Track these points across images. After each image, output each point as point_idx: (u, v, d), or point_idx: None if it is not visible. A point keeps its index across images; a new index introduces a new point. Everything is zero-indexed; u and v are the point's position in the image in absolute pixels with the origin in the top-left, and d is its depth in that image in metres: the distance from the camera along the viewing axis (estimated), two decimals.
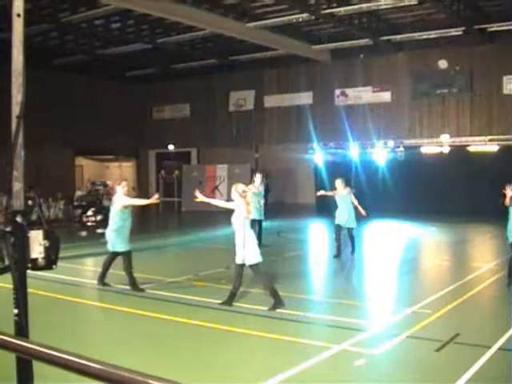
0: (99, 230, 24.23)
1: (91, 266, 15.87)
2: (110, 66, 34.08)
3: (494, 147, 26.93)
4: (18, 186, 3.60)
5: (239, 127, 36.24)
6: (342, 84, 32.18)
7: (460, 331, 8.70)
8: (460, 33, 26.00)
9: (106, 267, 12.45)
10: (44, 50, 29.32)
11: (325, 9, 23.77)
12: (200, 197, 11.47)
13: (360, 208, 17.11)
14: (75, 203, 28.81)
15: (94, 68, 33.90)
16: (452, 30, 25.88)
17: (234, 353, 8.15)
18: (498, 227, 21.90)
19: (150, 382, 2.02)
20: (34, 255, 3.66)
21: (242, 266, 10.42)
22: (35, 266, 3.69)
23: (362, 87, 31.55)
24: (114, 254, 12.35)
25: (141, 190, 42.08)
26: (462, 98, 28.89)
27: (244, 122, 35.98)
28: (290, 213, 29.69)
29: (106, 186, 30.62)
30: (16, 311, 3.51)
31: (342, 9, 23.59)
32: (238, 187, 10.64)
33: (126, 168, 43.59)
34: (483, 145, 27.25)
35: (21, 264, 3.54)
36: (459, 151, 27.70)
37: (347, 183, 18.12)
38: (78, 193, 30.02)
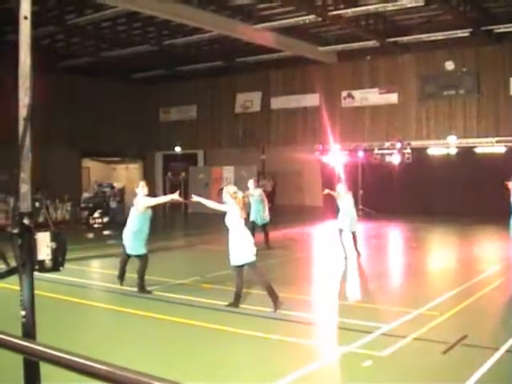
0: (106, 232, 24.35)
1: (98, 268, 15.90)
2: (117, 68, 34.14)
3: (501, 149, 26.88)
4: (25, 187, 3.61)
5: (246, 129, 36.27)
6: (348, 86, 32.18)
7: (467, 333, 8.67)
8: (467, 34, 25.94)
9: (123, 268, 12.48)
10: (51, 53, 29.37)
11: (332, 10, 23.74)
12: (195, 198, 11.56)
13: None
14: (82, 205, 28.85)
15: (100, 70, 33.96)
16: (459, 31, 25.84)
17: (241, 354, 8.15)
18: (505, 229, 21.90)
19: (156, 383, 2.02)
20: (41, 257, 3.67)
21: (240, 266, 10.46)
22: (42, 267, 3.69)
23: (369, 89, 31.54)
24: (129, 256, 12.37)
25: (147, 191, 42.13)
26: (469, 100, 28.84)
27: (250, 123, 36.00)
28: (296, 215, 29.67)
29: (112, 187, 30.64)
30: (23, 313, 3.52)
31: (349, 10, 23.56)
32: (229, 188, 10.76)
33: (133, 170, 43.62)
34: (490, 146, 27.20)
35: (28, 266, 3.54)
36: (466, 153, 27.66)
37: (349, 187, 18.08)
38: (85, 194, 30.05)
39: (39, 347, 2.44)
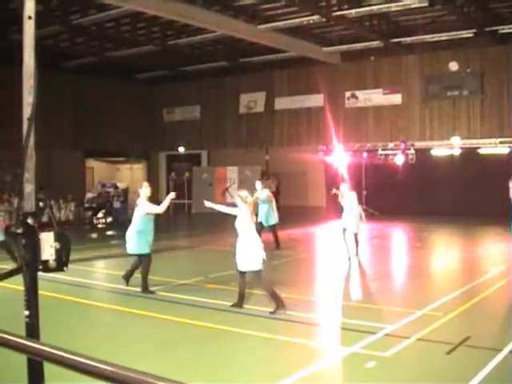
0: (109, 232, 24.38)
1: (102, 268, 15.92)
2: (121, 68, 34.16)
3: (504, 149, 26.84)
4: (29, 187, 3.61)
5: (250, 129, 36.27)
6: (352, 86, 32.17)
7: (471, 334, 8.67)
8: (471, 35, 25.91)
9: (132, 271, 12.50)
10: (55, 52, 29.41)
11: (336, 11, 23.74)
12: (208, 204, 11.51)
13: (363, 214, 17.16)
14: (86, 205, 28.90)
15: (104, 70, 33.98)
16: (463, 31, 25.81)
17: (245, 355, 8.15)
18: (509, 230, 21.86)
19: (160, 383, 2.02)
20: (44, 257, 3.67)
21: (244, 272, 10.49)
22: (46, 267, 3.69)
23: (373, 89, 31.51)
24: (139, 257, 12.40)
25: (151, 191, 42.16)
26: (473, 100, 28.81)
27: (254, 123, 36.01)
28: (300, 215, 29.67)
29: (116, 187, 30.69)
30: (27, 313, 3.52)
31: (353, 11, 23.55)
32: (241, 193, 10.75)
33: (137, 170, 43.65)
34: (494, 147, 27.17)
35: (32, 266, 3.54)
36: (470, 153, 27.63)
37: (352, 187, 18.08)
38: (89, 195, 30.11)
39: (43, 347, 2.43)
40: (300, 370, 7.25)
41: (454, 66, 28.51)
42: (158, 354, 8.01)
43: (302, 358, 7.96)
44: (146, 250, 12.25)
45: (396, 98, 30.83)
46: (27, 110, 3.59)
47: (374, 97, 31.44)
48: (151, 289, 12.06)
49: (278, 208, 19.72)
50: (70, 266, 3.85)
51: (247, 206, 10.59)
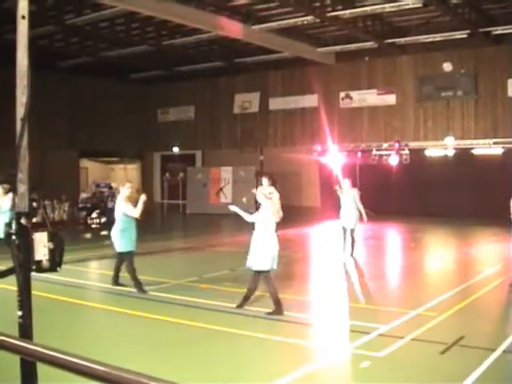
0: (103, 232, 24.33)
1: (95, 269, 15.89)
2: (115, 68, 34.13)
3: (498, 150, 26.89)
4: (22, 187, 3.61)
5: (244, 129, 36.27)
6: (346, 86, 32.21)
7: (465, 334, 8.68)
8: (465, 36, 25.97)
9: (118, 269, 12.52)
10: (49, 52, 29.36)
11: (330, 11, 23.77)
12: (233, 208, 11.07)
13: (363, 213, 17.17)
14: (80, 205, 28.83)
15: (99, 70, 33.94)
16: (457, 32, 25.86)
17: (239, 355, 8.14)
18: (503, 230, 21.89)
19: (153, 383, 2.02)
20: (38, 257, 3.66)
21: (259, 272, 10.26)
22: (40, 268, 3.69)
23: (367, 90, 31.56)
24: (120, 255, 12.42)
25: (145, 192, 42.14)
26: (467, 101, 28.87)
27: (249, 124, 36.02)
28: (294, 215, 29.66)
29: (110, 187, 30.64)
30: (20, 313, 3.51)
31: (347, 12, 23.59)
32: (264, 189, 10.50)
33: (131, 170, 43.62)
34: (488, 148, 27.22)
35: (25, 266, 3.54)
36: (464, 154, 27.67)
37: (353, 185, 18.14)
38: (83, 195, 30.05)
39: (36, 347, 2.43)
40: (294, 370, 7.24)
41: (448, 66, 28.55)
42: (150, 354, 8.00)
43: (296, 358, 7.95)
44: (128, 247, 12.29)
45: (390, 99, 30.88)
46: (20, 110, 3.58)
47: (369, 97, 31.48)
48: (144, 288, 12.05)
49: None
50: (63, 266, 3.84)
51: (270, 204, 10.37)
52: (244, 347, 8.50)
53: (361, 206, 17.12)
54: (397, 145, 28.65)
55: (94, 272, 15.43)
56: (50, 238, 3.72)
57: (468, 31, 25.59)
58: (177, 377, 6.66)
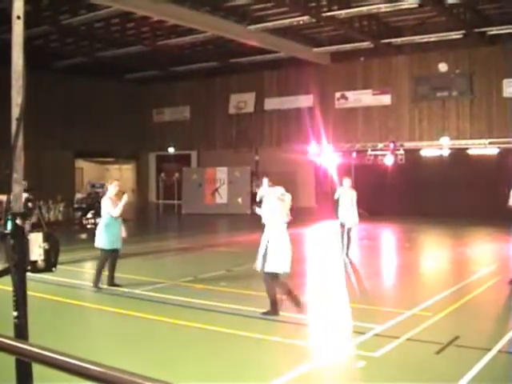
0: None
1: (91, 269, 15.84)
2: (111, 68, 34.11)
3: (493, 150, 26.94)
4: (17, 188, 3.60)
5: (239, 130, 36.27)
6: (342, 87, 32.24)
7: (460, 334, 8.69)
8: (460, 36, 26.01)
9: (114, 266, 12.56)
10: (44, 53, 29.33)
11: (326, 12, 23.77)
12: (258, 210, 10.63)
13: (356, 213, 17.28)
14: (75, 205, 28.78)
15: (94, 70, 33.92)
16: (452, 33, 25.91)
17: (234, 355, 8.14)
18: (498, 230, 21.93)
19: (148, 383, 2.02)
20: (33, 257, 3.66)
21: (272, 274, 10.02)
22: (35, 268, 3.69)
23: (362, 90, 31.59)
24: (109, 252, 12.56)
25: (140, 192, 42.13)
26: (462, 101, 28.92)
27: (244, 124, 36.01)
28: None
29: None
30: (15, 313, 3.51)
31: (342, 12, 23.60)
32: (276, 190, 10.30)
33: (126, 170, 43.60)
34: (483, 148, 27.27)
35: (20, 266, 3.54)
36: (459, 154, 27.71)
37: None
38: (78, 195, 29.99)
39: (32, 348, 2.43)
40: (290, 370, 7.24)
41: (443, 66, 28.60)
42: (145, 354, 7.98)
43: (292, 358, 7.95)
44: (106, 245, 12.47)
45: (385, 99, 30.91)
46: (16, 111, 3.58)
47: (364, 97, 31.50)
48: (100, 285, 12.36)
49: None
50: (58, 266, 3.84)
51: (283, 205, 10.12)
52: (240, 347, 8.50)
53: (355, 207, 17.20)
54: (392, 145, 28.68)
55: (90, 272, 15.38)
56: (46, 239, 3.72)
57: (463, 31, 25.64)
58: (172, 377, 6.66)
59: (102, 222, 12.80)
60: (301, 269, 16.01)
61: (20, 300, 3.51)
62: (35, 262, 3.67)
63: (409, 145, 29.22)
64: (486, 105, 28.14)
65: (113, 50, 30.87)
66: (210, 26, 25.68)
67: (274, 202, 10.17)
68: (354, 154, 29.91)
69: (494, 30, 25.73)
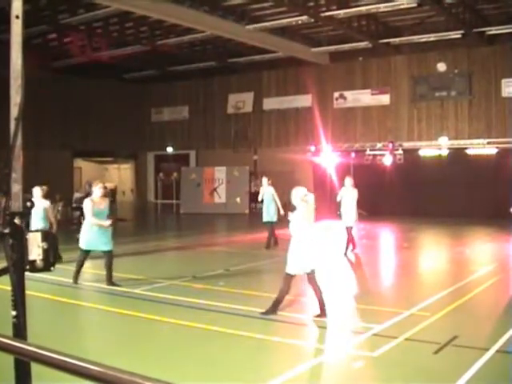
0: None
1: (89, 268, 15.84)
2: (109, 67, 34.08)
3: (492, 150, 26.94)
4: (16, 187, 3.60)
5: (238, 129, 36.28)
6: (340, 86, 32.25)
7: (458, 333, 8.69)
8: (459, 36, 26.03)
9: (109, 267, 12.58)
10: (43, 52, 29.31)
11: (324, 11, 23.78)
12: (291, 217, 10.33)
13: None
14: (73, 205, 28.72)
15: (92, 70, 33.89)
16: (451, 33, 25.92)
17: (234, 355, 8.14)
18: (497, 229, 21.95)
19: (148, 383, 2.02)
20: (32, 257, 3.66)
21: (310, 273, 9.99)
22: (33, 267, 3.68)
23: (361, 90, 31.60)
24: (84, 252, 12.75)
25: (139, 192, 42.12)
26: (461, 101, 28.94)
27: (243, 124, 36.03)
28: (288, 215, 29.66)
29: (104, 187, 30.60)
30: (14, 313, 3.51)
31: (341, 11, 23.60)
32: (299, 191, 10.05)
33: (125, 170, 43.60)
34: (482, 148, 27.27)
35: (19, 266, 3.53)
36: (458, 154, 27.71)
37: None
38: (77, 195, 29.92)
39: (30, 347, 2.43)
40: (288, 370, 7.24)
41: (442, 66, 28.62)
42: (145, 353, 7.98)
43: (291, 358, 7.96)
44: (82, 245, 12.60)
45: (384, 99, 30.93)
46: (14, 110, 3.58)
47: (363, 97, 31.52)
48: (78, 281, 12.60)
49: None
50: (57, 265, 3.84)
51: (305, 206, 9.92)
52: (239, 347, 8.50)
53: (355, 206, 17.28)
54: (391, 145, 28.68)
55: (88, 272, 15.38)
56: (44, 238, 3.71)
57: (462, 31, 25.66)
58: (172, 377, 6.66)
59: (85, 223, 12.74)
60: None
61: (18, 299, 3.51)
62: (34, 261, 3.67)
63: (407, 145, 29.23)
64: (485, 105, 28.17)
65: (111, 50, 30.85)
66: (209, 26, 25.68)
67: (297, 204, 9.96)
68: (353, 154, 29.90)
69: (492, 30, 25.75)
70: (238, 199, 32.87)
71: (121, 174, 43.78)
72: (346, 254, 16.90)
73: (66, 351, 2.30)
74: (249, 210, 32.56)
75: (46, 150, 32.40)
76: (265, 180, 19.06)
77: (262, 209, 19.05)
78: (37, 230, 3.72)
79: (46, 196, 15.20)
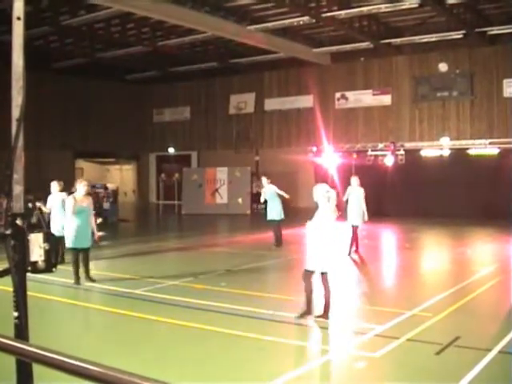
0: (99, 233, 24.27)
1: (91, 269, 15.85)
2: (111, 69, 34.11)
3: (494, 150, 26.91)
4: (18, 188, 3.60)
5: (239, 130, 36.29)
6: (342, 87, 32.26)
7: (460, 334, 8.68)
8: (460, 36, 26.02)
9: (87, 263, 12.88)
10: (44, 53, 29.35)
11: (326, 12, 23.79)
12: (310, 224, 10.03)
13: (365, 212, 17.34)
14: None
15: (94, 71, 33.92)
16: (452, 33, 25.92)
17: (234, 355, 8.14)
18: (498, 230, 21.92)
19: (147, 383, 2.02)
20: (33, 258, 3.66)
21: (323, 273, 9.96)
22: (35, 268, 3.69)
23: (363, 90, 31.61)
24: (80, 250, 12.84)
25: (140, 192, 42.13)
26: (463, 101, 28.93)
27: (244, 124, 36.04)
28: (290, 216, 29.65)
29: (106, 188, 30.64)
30: (16, 314, 3.51)
31: (342, 12, 23.61)
32: (320, 187, 9.94)
33: (127, 171, 43.61)
34: (483, 148, 27.24)
35: (21, 267, 3.54)
36: (459, 154, 27.68)
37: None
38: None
39: (32, 348, 2.43)
40: (289, 370, 7.24)
41: (443, 66, 28.61)
42: (144, 354, 7.98)
43: (291, 358, 7.96)
44: (70, 244, 12.68)
45: (386, 99, 30.93)
46: (16, 111, 3.58)
47: (364, 98, 31.53)
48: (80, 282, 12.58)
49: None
50: (58, 266, 3.84)
51: (328, 202, 9.76)
52: (240, 347, 8.49)
53: (364, 206, 17.25)
54: (392, 145, 28.65)
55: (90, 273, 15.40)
56: (46, 239, 3.72)
57: (463, 31, 25.65)
58: (171, 377, 6.67)
59: (66, 220, 12.92)
60: (300, 270, 16.01)
61: (20, 300, 3.51)
62: (35, 262, 3.67)
63: (409, 145, 29.20)
64: (487, 105, 28.16)
65: (113, 51, 30.88)
66: (210, 27, 25.70)
67: (319, 201, 9.86)
68: (355, 155, 29.87)
69: (494, 30, 25.74)
70: (240, 200, 32.86)
71: (123, 174, 43.78)
72: (349, 254, 16.89)
73: (66, 351, 2.30)
74: (250, 211, 32.54)
75: (48, 151, 32.40)
76: (264, 180, 19.11)
77: (265, 209, 19.09)
78: (38, 231, 3.72)
79: (62, 190, 15.61)
